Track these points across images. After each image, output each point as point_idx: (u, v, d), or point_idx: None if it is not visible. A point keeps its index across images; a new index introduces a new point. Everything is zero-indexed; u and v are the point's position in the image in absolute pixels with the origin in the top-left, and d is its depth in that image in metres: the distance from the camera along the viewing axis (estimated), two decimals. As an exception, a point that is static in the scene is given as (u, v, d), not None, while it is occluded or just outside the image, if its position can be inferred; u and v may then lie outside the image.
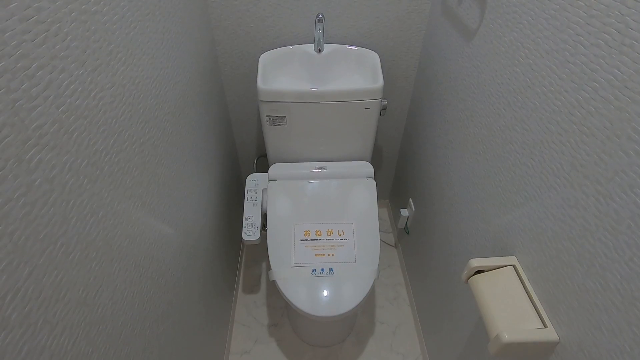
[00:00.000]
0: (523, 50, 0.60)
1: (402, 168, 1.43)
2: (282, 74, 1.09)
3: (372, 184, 1.12)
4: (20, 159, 0.34)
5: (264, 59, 1.05)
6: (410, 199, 1.28)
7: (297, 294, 0.91)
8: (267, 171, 1.15)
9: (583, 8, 0.47)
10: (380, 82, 0.99)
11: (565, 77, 0.50)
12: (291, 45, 1.08)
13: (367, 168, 1.15)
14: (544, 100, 0.55)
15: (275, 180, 1.13)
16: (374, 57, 1.05)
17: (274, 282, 0.95)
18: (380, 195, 1.64)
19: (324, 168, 1.14)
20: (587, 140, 0.46)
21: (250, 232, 1.05)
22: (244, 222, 1.07)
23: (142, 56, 0.60)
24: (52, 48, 0.38)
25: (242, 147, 1.43)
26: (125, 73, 0.54)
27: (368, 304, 1.35)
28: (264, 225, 1.09)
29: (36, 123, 0.36)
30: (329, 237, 1.02)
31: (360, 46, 1.09)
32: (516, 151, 0.63)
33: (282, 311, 1.33)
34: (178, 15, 0.78)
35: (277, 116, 1.04)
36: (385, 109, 1.09)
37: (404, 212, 1.30)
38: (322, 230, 1.03)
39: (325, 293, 0.92)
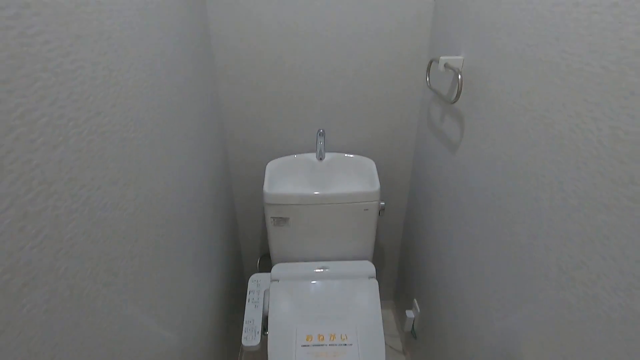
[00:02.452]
0: (499, 162, 0.68)
1: (404, 267, 1.43)
2: (287, 179, 1.19)
3: (375, 284, 1.12)
4: (52, 268, 0.38)
5: (271, 166, 1.15)
6: (415, 300, 1.26)
7: (298, 409, 0.84)
8: (269, 271, 1.16)
9: (541, 132, 0.55)
10: (376, 186, 1.08)
11: (537, 186, 0.57)
12: (295, 154, 1.20)
13: (369, 267, 1.16)
14: (524, 206, 0.60)
15: (278, 280, 1.13)
16: (370, 164, 1.16)
17: (273, 395, 0.88)
18: (384, 295, 1.60)
19: (326, 268, 1.15)
20: (569, 244, 0.50)
21: (249, 337, 1.01)
22: (244, 326, 1.04)
23: (165, 173, 0.68)
24: (94, 169, 0.46)
25: (246, 246, 1.46)
26: (150, 186, 0.61)
27: None
28: (264, 329, 1.05)
29: (70, 234, 0.41)
30: (331, 342, 0.97)
31: (358, 154, 1.21)
32: (505, 255, 0.66)
33: None
34: (199, 133, 0.90)
35: (281, 217, 1.10)
36: (383, 209, 1.15)
37: (409, 313, 1.26)
38: (324, 334, 0.99)
39: (328, 408, 0.84)
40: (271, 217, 1.10)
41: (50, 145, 0.38)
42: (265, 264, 1.47)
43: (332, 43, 1.04)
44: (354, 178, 1.19)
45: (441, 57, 0.83)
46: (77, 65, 0.42)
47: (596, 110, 0.44)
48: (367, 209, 1.09)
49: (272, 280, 1.14)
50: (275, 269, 1.16)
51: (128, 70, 0.55)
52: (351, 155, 1.19)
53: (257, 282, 1.17)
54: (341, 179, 1.19)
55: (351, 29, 1.02)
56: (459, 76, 0.75)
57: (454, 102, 0.78)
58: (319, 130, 1.12)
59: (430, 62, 0.93)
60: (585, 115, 0.46)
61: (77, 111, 0.42)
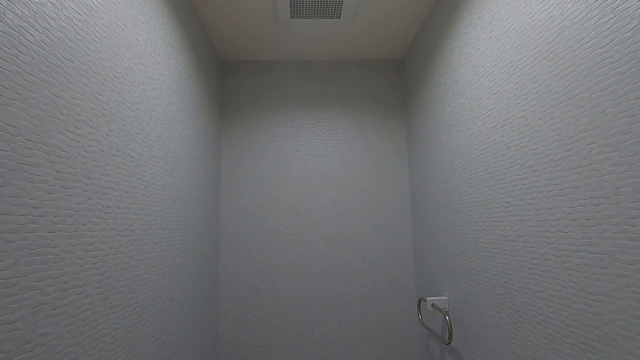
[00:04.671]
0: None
1: None
2: None
3: None
4: None
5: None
6: None
7: None
8: None
9: None
10: None
11: None
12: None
13: None
14: None
15: None
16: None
17: None
18: None
19: None
20: None
21: None
22: None
23: None
24: None
25: None
26: None
27: None
28: None
29: None
30: None
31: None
32: None
33: None
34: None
35: None
36: None
37: None
38: None
39: None
40: None
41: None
42: None
43: (330, 306, 1.15)
44: None
45: (427, 298, 0.91)
46: (102, 333, 0.49)
47: (572, 360, 0.48)
48: None
49: None
50: None
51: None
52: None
53: None
54: None
55: (339, 291, 1.16)
56: (447, 317, 0.81)
57: (449, 343, 0.81)
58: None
59: (419, 301, 1.01)
60: (566, 364, 0.50)
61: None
